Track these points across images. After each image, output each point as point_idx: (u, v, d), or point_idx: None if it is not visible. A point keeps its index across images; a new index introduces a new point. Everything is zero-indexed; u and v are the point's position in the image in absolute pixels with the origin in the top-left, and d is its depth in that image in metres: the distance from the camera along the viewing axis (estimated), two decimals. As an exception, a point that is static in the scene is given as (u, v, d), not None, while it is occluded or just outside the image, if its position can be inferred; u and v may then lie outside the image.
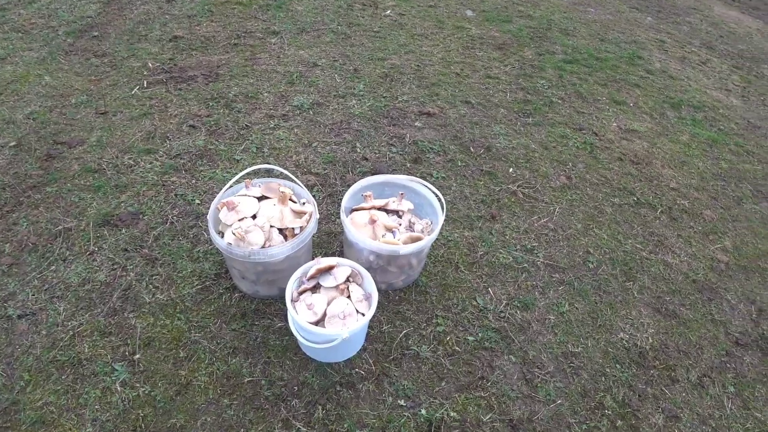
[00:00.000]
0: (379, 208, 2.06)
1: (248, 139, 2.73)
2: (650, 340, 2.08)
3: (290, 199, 1.96)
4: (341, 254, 2.20)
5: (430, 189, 2.08)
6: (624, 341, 2.06)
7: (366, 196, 2.05)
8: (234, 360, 1.84)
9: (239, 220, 1.83)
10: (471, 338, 1.98)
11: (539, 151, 2.93)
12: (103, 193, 2.37)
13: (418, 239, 1.92)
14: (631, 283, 2.30)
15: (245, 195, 1.94)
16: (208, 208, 2.31)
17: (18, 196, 2.35)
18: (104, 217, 2.26)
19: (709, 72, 4.12)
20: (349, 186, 2.44)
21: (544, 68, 3.72)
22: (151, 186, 2.42)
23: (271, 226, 1.85)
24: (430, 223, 2.07)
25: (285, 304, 1.92)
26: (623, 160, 2.99)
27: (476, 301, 2.11)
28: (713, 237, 2.62)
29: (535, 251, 2.35)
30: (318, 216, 1.90)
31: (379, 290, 2.06)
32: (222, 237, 1.87)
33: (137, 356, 1.83)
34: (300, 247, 1.82)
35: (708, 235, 2.62)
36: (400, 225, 2.03)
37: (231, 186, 1.94)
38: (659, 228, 2.60)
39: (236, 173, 2.49)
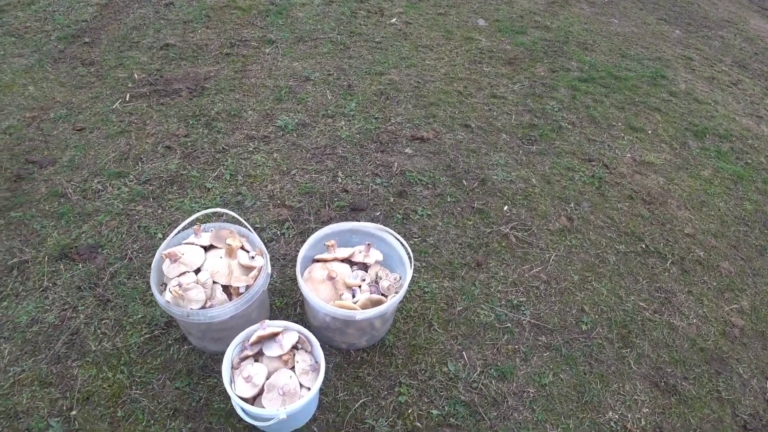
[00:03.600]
0: (344, 260, 1.87)
1: (223, 164, 2.57)
2: (643, 422, 1.85)
3: (242, 247, 1.79)
4: (302, 305, 2.02)
5: (399, 241, 1.87)
6: (612, 423, 1.83)
7: (329, 245, 1.86)
8: (173, 424, 1.68)
9: (181, 275, 1.66)
10: (435, 412, 1.78)
11: (540, 185, 2.68)
12: (65, 222, 2.24)
13: (379, 302, 1.72)
14: (628, 350, 2.05)
15: (192, 243, 1.77)
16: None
17: (-22, 222, 2.24)
18: (62, 250, 2.12)
19: (739, 95, 3.77)
20: (323, 223, 2.26)
21: (557, 87, 3.45)
22: (115, 215, 2.28)
23: (214, 282, 1.68)
24: (398, 278, 1.87)
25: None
26: (634, 198, 2.72)
27: (447, 367, 1.90)
28: (729, 295, 2.34)
29: (522, 308, 2.13)
30: (270, 270, 1.72)
31: (339, 350, 1.89)
32: (165, 290, 1.71)
33: (74, 412, 1.69)
34: (245, 307, 1.64)
35: (723, 293, 2.34)
36: (365, 281, 1.84)
37: (180, 231, 1.77)
38: (668, 282, 2.33)
39: (205, 203, 2.34)
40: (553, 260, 2.33)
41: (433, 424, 1.75)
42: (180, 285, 1.62)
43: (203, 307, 1.63)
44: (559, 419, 1.83)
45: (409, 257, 1.80)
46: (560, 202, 2.62)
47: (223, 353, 1.82)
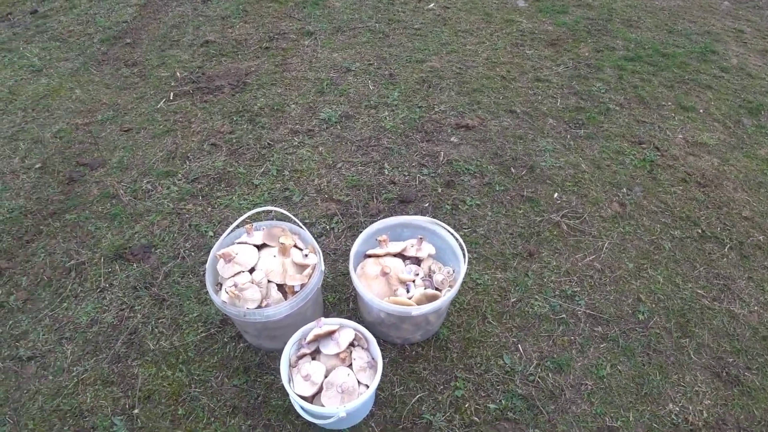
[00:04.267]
0: (396, 255, 1.87)
1: (269, 160, 2.58)
2: (704, 414, 1.80)
3: (295, 245, 1.80)
4: (355, 299, 2.03)
5: (451, 234, 1.86)
6: (673, 415, 1.79)
7: (381, 240, 1.86)
8: (233, 421, 1.72)
9: (235, 274, 1.69)
10: (493, 406, 1.77)
11: (590, 171, 2.61)
12: (118, 223, 2.30)
13: (434, 297, 1.71)
14: (688, 339, 2.00)
15: (245, 243, 1.79)
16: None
17: (38, 224, 2.33)
18: (117, 250, 2.19)
19: (799, 67, 3.57)
20: (372, 216, 2.26)
21: (602, 68, 3.34)
22: (165, 215, 2.33)
23: (269, 282, 1.70)
24: (452, 272, 1.86)
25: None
26: (688, 181, 2.62)
27: (503, 360, 1.89)
28: (793, 280, 2.24)
29: (577, 298, 2.09)
30: (323, 267, 1.73)
31: (393, 345, 1.89)
32: (220, 290, 1.75)
33: (136, 411, 1.75)
34: (301, 305, 1.66)
35: (787, 278, 2.25)
36: (418, 275, 1.83)
37: (232, 231, 1.80)
38: (726, 268, 2.25)
39: (253, 200, 2.36)
40: (606, 248, 2.27)
41: (491, 419, 1.74)
42: (236, 285, 1.64)
43: (259, 307, 1.65)
44: (618, 412, 1.80)
45: (463, 250, 1.79)
46: (611, 187, 2.54)
47: (278, 351, 1.85)
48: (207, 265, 1.74)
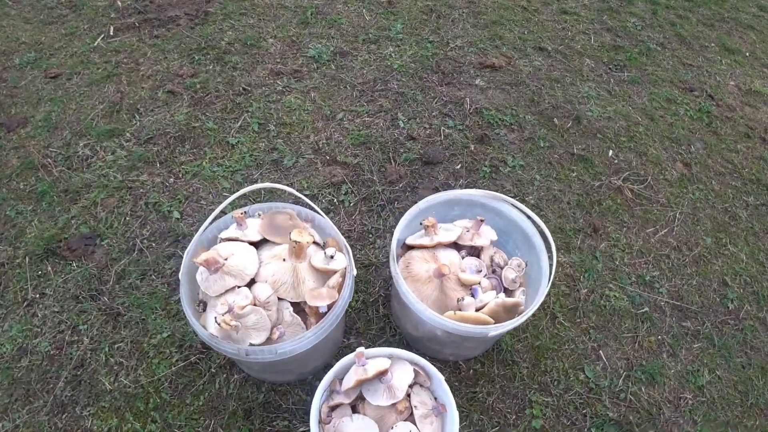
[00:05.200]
0: (449, 245, 1.36)
1: (247, 111, 1.98)
2: (832, 430, 1.44)
3: (315, 242, 1.27)
4: (386, 300, 1.53)
5: (525, 213, 1.37)
6: (796, 434, 1.42)
7: (428, 226, 1.34)
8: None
9: (227, 291, 1.15)
10: (582, 439, 1.35)
11: (644, 123, 2.16)
12: (47, 204, 1.67)
13: (515, 309, 1.24)
14: (791, 332, 1.63)
15: (236, 239, 1.24)
16: (191, 226, 1.63)
17: (-69, 205, 1.67)
18: (48, 244, 1.58)
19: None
20: (391, 184, 1.74)
21: (633, 0, 2.84)
22: (112, 190, 1.72)
23: (279, 299, 1.17)
24: (523, 265, 1.38)
25: (308, 391, 1.29)
26: (751, 136, 2.22)
27: (584, 374, 1.46)
28: None
29: (656, 285, 1.67)
30: (355, 272, 1.21)
31: (444, 362, 1.42)
32: (203, 311, 1.20)
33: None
34: (330, 332, 1.15)
35: None
36: (481, 272, 1.34)
37: (213, 222, 1.24)
38: (814, 240, 1.88)
39: (230, 166, 1.79)
40: (678, 219, 1.86)
41: (583, 456, 1.33)
42: (231, 311, 1.10)
43: (269, 339, 1.13)
44: (725, 430, 1.42)
45: (545, 238, 1.30)
46: (671, 143, 2.11)
47: (289, 384, 1.35)
48: (181, 276, 1.18)
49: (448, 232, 1.36)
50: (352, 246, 1.63)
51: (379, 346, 1.43)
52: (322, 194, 1.76)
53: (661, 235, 1.80)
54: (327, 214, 1.71)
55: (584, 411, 1.40)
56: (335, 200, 1.74)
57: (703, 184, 1.99)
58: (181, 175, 1.78)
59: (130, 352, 1.39)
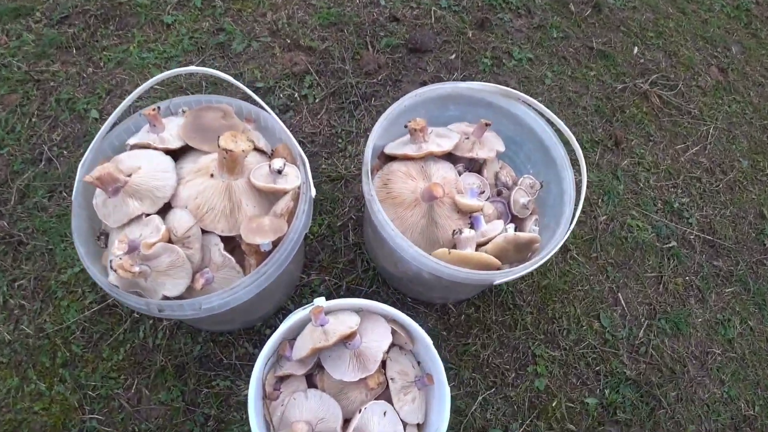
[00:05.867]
0: (441, 156, 1.00)
1: (183, -27, 1.50)
2: None
3: (256, 148, 0.89)
4: (358, 225, 1.19)
5: (545, 117, 1.01)
6: (837, 397, 1.20)
7: (416, 129, 0.97)
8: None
9: (131, 220, 0.78)
10: (592, 402, 1.09)
11: (675, 17, 1.77)
12: None
13: (531, 245, 0.91)
14: (836, 275, 1.37)
15: (147, 146, 0.85)
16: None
17: None
18: None
19: None
20: (367, 74, 1.36)
21: None
22: (15, 84, 1.29)
23: (204, 233, 0.81)
24: (537, 186, 1.04)
25: (257, 342, 0.99)
26: (797, 38, 1.86)
27: (599, 322, 1.18)
28: None
29: (686, 214, 1.37)
30: (314, 192, 0.84)
31: (431, 304, 1.12)
32: (105, 246, 0.84)
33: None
34: (275, 278, 0.80)
35: None
36: (483, 193, 1.00)
37: (118, 118, 0.85)
38: None
39: (165, 51, 1.37)
40: (712, 136, 1.53)
41: (592, 423, 1.07)
42: (133, 250, 0.74)
43: (191, 288, 0.79)
44: (754, 393, 1.19)
45: (570, 149, 0.96)
46: (705, 43, 1.74)
47: (230, 333, 1.03)
48: (74, 198, 0.81)
49: (441, 139, 1.00)
50: (315, 154, 1.26)
51: (349, 284, 1.11)
52: (279, 87, 1.34)
53: (692, 153, 1.48)
54: (285, 112, 1.31)
55: (597, 368, 1.13)
56: (296, 95, 1.34)
57: (740, 96, 1.65)
58: (102, 64, 1.34)
59: (34, 292, 1.05)
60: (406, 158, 0.98)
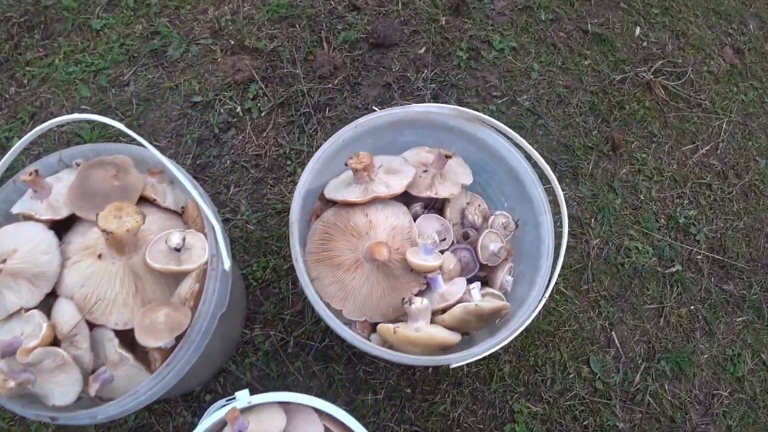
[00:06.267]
0: (393, 198, 0.83)
1: (113, -35, 1.30)
2: None
3: (163, 208, 0.72)
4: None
5: (514, 141, 0.84)
6: None
7: (357, 169, 0.79)
8: None
9: (9, 317, 0.64)
10: (581, 467, 0.95)
11: (684, -12, 1.54)
12: None
13: (499, 312, 0.75)
14: None
15: (30, 216, 0.69)
16: (38, 158, 1.05)
17: None
18: None
19: None
20: (321, 79, 1.19)
21: None
22: None
23: (93, 327, 0.66)
24: (512, 225, 0.87)
25: (196, 410, 0.86)
26: (826, 6, 1.63)
27: (589, 368, 1.04)
28: None
29: (692, 229, 1.20)
30: (228, 264, 0.68)
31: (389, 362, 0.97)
32: None
33: None
34: (185, 372, 0.66)
35: None
36: (444, 240, 0.83)
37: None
38: None
39: (93, 61, 1.20)
40: (725, 132, 1.34)
41: (580, 493, 0.94)
42: (9, 352, 0.59)
43: (81, 398, 0.65)
44: (768, 441, 1.05)
45: (549, 175, 0.79)
46: (718, 19, 1.51)
47: (167, 401, 0.89)
48: None
49: (391, 177, 0.83)
50: (260, 180, 1.09)
51: (298, 338, 0.96)
52: (220, 100, 1.16)
53: (702, 154, 1.30)
54: (226, 131, 1.14)
55: (585, 422, 0.99)
56: (239, 109, 1.16)
57: (759, 81, 1.45)
58: (26, 81, 1.17)
59: None
60: (348, 204, 0.81)
